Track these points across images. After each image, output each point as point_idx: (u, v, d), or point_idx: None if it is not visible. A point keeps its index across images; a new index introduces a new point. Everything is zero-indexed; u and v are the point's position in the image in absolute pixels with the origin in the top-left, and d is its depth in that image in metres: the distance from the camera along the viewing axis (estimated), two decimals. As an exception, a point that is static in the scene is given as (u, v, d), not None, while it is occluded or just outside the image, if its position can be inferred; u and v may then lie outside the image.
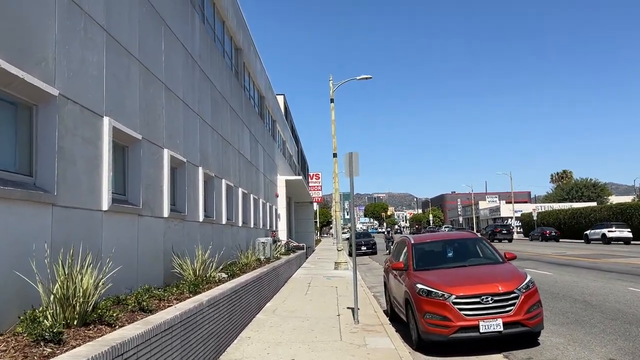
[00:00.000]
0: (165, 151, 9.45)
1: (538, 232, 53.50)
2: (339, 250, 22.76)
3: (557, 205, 79.29)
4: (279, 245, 24.04)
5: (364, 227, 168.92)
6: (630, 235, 39.43)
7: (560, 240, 50.86)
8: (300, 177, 29.57)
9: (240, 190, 16.65)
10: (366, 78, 23.58)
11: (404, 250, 9.79)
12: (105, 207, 6.84)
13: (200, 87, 12.34)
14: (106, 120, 6.99)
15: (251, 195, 18.90)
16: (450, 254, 9.24)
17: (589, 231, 43.10)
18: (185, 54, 11.14)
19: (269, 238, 17.64)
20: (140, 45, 8.43)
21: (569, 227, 54.30)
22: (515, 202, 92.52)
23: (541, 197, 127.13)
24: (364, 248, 36.48)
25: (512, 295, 7.50)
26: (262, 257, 16.91)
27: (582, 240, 45.63)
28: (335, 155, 23.29)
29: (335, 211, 23.13)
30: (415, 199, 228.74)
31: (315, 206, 80.00)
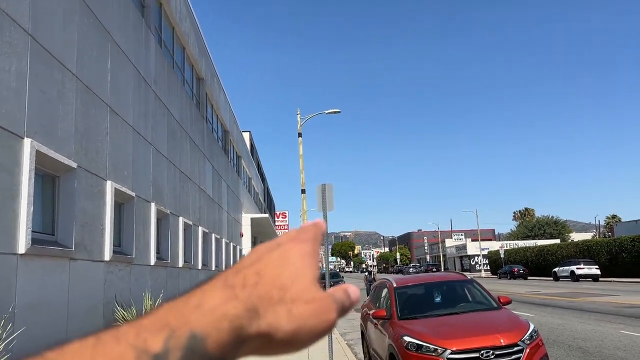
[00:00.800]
0: (109, 183, 8.15)
1: (506, 269, 53.12)
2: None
3: (521, 243, 79.86)
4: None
5: (331, 267, 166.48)
6: (598, 272, 39.30)
7: (529, 277, 50.54)
8: (267, 215, 28.25)
9: (200, 229, 15.27)
10: (335, 112, 22.81)
11: (384, 295, 8.64)
12: (21, 249, 5.49)
13: (156, 115, 11.15)
14: (27, 142, 5.71)
15: (213, 234, 17.50)
16: (438, 299, 8.11)
17: (557, 268, 42.86)
18: (138, 77, 9.98)
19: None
20: (79, 59, 7.24)
21: (536, 265, 54.21)
22: (481, 240, 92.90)
23: (505, 235, 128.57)
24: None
25: (516, 349, 6.39)
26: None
27: (551, 278, 45.36)
28: (303, 191, 22.19)
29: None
30: (381, 237, 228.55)
31: (282, 246, 78.07)
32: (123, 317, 8.16)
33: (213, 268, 17.32)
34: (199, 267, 14.93)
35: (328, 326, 0.44)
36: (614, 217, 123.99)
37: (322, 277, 37.54)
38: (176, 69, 13.91)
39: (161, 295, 9.48)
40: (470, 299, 8.14)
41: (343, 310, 0.47)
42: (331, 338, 10.02)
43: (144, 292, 9.34)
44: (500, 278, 53.33)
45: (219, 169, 19.72)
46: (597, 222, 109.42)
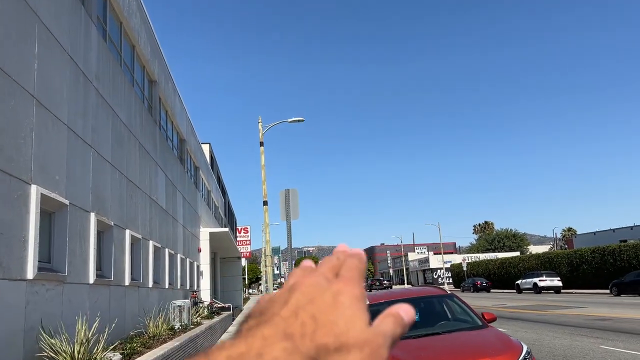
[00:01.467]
0: (33, 188, 6.93)
1: (469, 282, 53.13)
2: (269, 311, 20.18)
3: (482, 256, 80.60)
4: (201, 308, 21.10)
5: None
6: (560, 284, 39.54)
7: (492, 290, 50.61)
8: (227, 230, 26.94)
9: (151, 243, 13.97)
10: (298, 121, 21.92)
11: None
12: None
13: (98, 115, 9.94)
14: None
15: (166, 249, 16.18)
16: (416, 318, 7.20)
17: (520, 281, 42.97)
18: (75, 70, 8.79)
19: (187, 300, 14.91)
20: (-6, 38, 6.07)
21: (499, 277, 54.43)
22: (443, 253, 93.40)
23: (465, 248, 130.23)
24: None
25: (511, 375, 5.53)
26: (177, 325, 14.10)
27: (513, 290, 45.47)
28: (265, 203, 21.10)
29: (266, 266, 20.69)
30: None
31: (244, 262, 76.26)
32: (51, 346, 6.91)
33: (166, 286, 15.97)
34: (150, 286, 13.61)
35: None
36: (569, 229, 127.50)
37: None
38: (124, 68, 12.72)
39: (98, 318, 8.22)
40: (452, 317, 7.27)
41: (395, 340, 0.46)
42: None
43: (77, 315, 8.06)
44: (463, 291, 53.24)
45: (174, 180, 18.44)
46: (554, 235, 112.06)
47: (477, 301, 33.55)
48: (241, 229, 66.31)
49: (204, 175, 29.22)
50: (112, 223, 10.42)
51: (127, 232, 11.61)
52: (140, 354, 8.37)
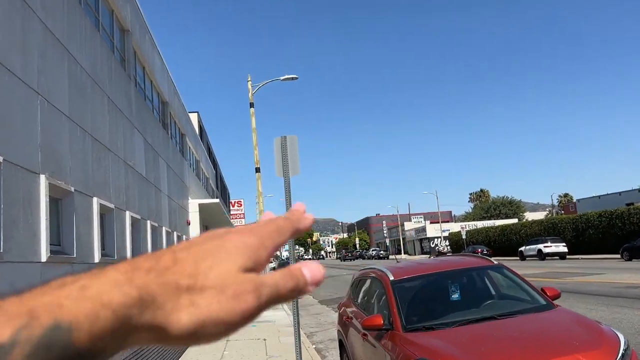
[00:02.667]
0: (-61, 136, 5.09)
1: (469, 251, 51.98)
2: (265, 286, 18.59)
3: (480, 223, 79.59)
4: (191, 284, 19.50)
5: (288, 255, 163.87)
6: (565, 249, 38.36)
7: (492, 258, 49.51)
8: (218, 201, 25.18)
9: (128, 214, 12.19)
10: (292, 78, 19.95)
11: (375, 292, 6.00)
12: None
13: (46, 55, 8.02)
14: None
15: (148, 222, 14.41)
16: (456, 296, 5.49)
17: (523, 247, 41.79)
18: (8, -8, 6.85)
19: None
20: None
21: (499, 244, 53.37)
22: (435, 222, 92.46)
23: (461, 217, 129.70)
24: (293, 279, 32.43)
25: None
26: (161, 305, 12.47)
27: (516, 257, 44.34)
28: (258, 169, 19.31)
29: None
30: (340, 224, 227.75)
31: (238, 235, 74.81)
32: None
33: (149, 262, 14.29)
34: (128, 262, 11.89)
35: (241, 318, 0.39)
36: (566, 195, 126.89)
37: (282, 265, 34.73)
38: (85, 7, 10.71)
39: None
40: (505, 295, 5.60)
41: (278, 297, 0.43)
42: (299, 343, 7.40)
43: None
44: (463, 260, 52.16)
45: (156, 145, 16.55)
46: (552, 201, 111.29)
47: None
48: (234, 202, 64.80)
49: (192, 143, 27.29)
50: (73, 189, 8.60)
51: (95, 200, 9.80)
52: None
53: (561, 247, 38.26)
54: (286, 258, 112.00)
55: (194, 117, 35.43)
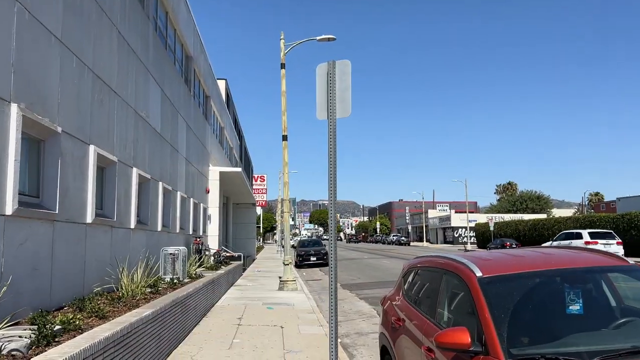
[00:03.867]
0: None
1: (498, 243, 49.71)
2: (285, 265, 16.97)
3: (507, 216, 76.83)
4: (206, 257, 18.01)
5: (308, 234, 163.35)
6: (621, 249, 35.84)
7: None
8: (240, 170, 23.61)
9: (135, 171, 10.60)
10: (328, 39, 18.04)
11: (448, 293, 4.21)
12: None
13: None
14: None
15: (160, 183, 12.85)
16: (576, 308, 3.64)
17: (548, 243, 39.37)
18: None
19: (182, 248, 11.67)
20: None
21: (529, 239, 50.88)
22: (464, 212, 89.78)
23: (485, 208, 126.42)
24: (313, 259, 30.89)
25: None
26: (168, 278, 10.93)
27: (548, 254, 42.09)
28: (285, 137, 17.57)
29: (284, 212, 17.37)
30: (361, 207, 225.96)
31: (259, 210, 73.66)
32: None
33: (158, 228, 12.73)
34: (131, 226, 10.33)
35: None
36: (597, 194, 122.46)
37: (302, 244, 32.58)
38: None
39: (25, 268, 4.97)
40: (635, 310, 3.78)
41: None
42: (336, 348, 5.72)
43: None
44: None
45: (175, 100, 14.92)
46: (582, 199, 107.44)
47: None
48: (257, 177, 63.38)
49: (216, 107, 25.65)
50: (60, 129, 6.97)
51: (92, 149, 8.18)
52: (78, 332, 5.09)
53: (614, 246, 35.86)
54: (309, 237, 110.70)
55: (221, 84, 33.79)
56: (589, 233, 33.31)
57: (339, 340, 9.36)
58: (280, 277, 19.46)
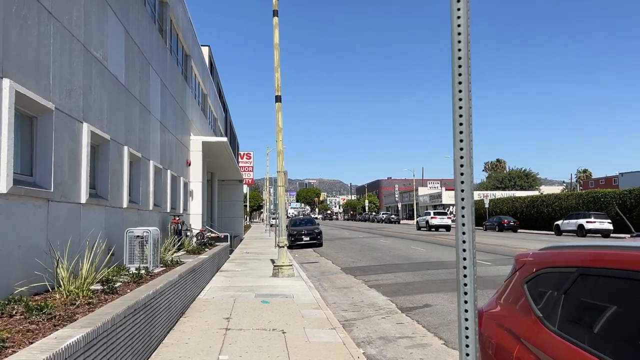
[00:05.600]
0: None
1: (495, 220, 47.83)
2: (279, 247, 14.51)
3: (498, 193, 75.26)
4: (188, 238, 15.49)
5: (295, 212, 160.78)
6: (611, 227, 34.09)
7: (519, 230, 45.43)
8: (225, 139, 20.95)
9: (86, 128, 7.98)
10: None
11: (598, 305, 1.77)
12: None
13: None
14: None
15: (125, 147, 10.23)
16: None
17: (561, 221, 37.50)
18: None
19: (153, 229, 9.13)
20: None
21: (527, 217, 49.11)
22: (451, 189, 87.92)
23: (474, 186, 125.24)
24: (306, 239, 28.46)
25: None
26: (133, 268, 8.41)
27: (551, 232, 40.24)
28: (278, 98, 14.97)
29: (279, 186, 14.82)
30: (349, 185, 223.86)
31: (245, 189, 70.89)
32: None
33: (123, 204, 10.16)
34: (82, 201, 7.75)
35: None
36: (585, 171, 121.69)
37: (294, 223, 29.93)
38: None
39: None
40: None
41: None
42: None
43: None
44: (486, 230, 48.10)
45: (146, 49, 12.22)
46: (571, 177, 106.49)
47: (513, 242, 28.12)
48: (243, 154, 60.63)
49: (198, 70, 22.84)
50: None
51: (6, 84, 5.55)
52: None
53: (606, 224, 33.97)
54: (295, 215, 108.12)
55: (204, 51, 30.81)
56: (592, 214, 31.54)
57: (361, 350, 7.00)
58: (273, 261, 17.04)
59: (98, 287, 6.26)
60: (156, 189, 13.25)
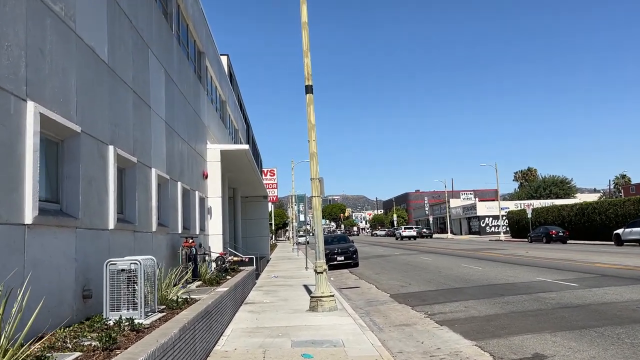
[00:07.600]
0: None
1: (541, 232, 44.01)
2: (318, 273, 11.58)
3: (537, 203, 71.06)
4: (206, 263, 12.74)
5: (327, 228, 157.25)
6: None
7: (569, 241, 41.55)
8: (247, 147, 18.29)
9: (33, 110, 5.26)
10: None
11: None
12: None
13: None
14: None
15: (111, 148, 7.52)
16: None
17: (622, 230, 33.68)
18: None
19: (142, 259, 6.32)
20: None
21: (576, 226, 45.16)
22: (485, 200, 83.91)
23: (506, 196, 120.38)
24: (340, 258, 25.48)
25: None
26: (112, 320, 5.59)
27: (610, 242, 36.42)
28: (309, 89, 12.23)
29: (314, 196, 11.94)
30: (375, 200, 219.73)
31: (270, 206, 68.19)
32: None
33: (110, 225, 7.41)
34: (27, 221, 5.01)
35: None
36: (623, 176, 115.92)
37: (325, 241, 26.89)
38: None
39: None
40: None
41: None
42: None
43: None
44: (531, 242, 44.25)
45: (142, 27, 9.61)
46: (609, 182, 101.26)
47: (579, 255, 24.39)
48: (267, 171, 58.31)
49: (214, 71, 20.32)
50: None
51: None
52: None
53: (678, 233, 30.25)
54: (331, 232, 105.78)
55: (223, 59, 28.49)
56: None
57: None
58: (307, 287, 14.12)
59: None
60: (161, 205, 10.55)
